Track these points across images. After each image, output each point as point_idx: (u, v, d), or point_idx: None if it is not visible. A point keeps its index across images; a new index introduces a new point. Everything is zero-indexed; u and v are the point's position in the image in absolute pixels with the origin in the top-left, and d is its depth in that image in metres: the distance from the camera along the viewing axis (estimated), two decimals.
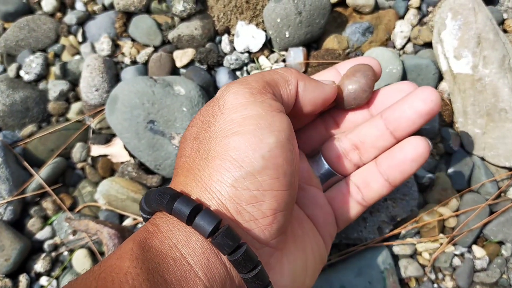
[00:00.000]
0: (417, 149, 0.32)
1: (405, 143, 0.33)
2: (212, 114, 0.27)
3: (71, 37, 0.52)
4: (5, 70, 0.52)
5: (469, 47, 0.44)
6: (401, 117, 0.32)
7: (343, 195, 0.35)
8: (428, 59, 0.47)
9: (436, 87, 0.47)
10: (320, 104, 0.32)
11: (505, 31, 0.49)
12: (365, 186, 0.34)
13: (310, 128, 0.38)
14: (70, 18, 0.51)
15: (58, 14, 0.53)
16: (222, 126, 0.26)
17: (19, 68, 0.51)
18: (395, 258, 0.45)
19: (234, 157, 0.25)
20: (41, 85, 0.50)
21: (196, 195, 0.25)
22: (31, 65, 0.50)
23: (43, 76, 0.51)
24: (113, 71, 0.49)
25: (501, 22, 0.49)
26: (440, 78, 0.47)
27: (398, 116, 0.33)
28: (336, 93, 0.34)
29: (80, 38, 0.51)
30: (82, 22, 0.52)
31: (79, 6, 0.52)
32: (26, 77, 0.50)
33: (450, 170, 0.45)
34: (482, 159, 0.46)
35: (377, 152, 0.35)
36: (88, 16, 0.52)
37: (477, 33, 0.44)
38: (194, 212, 0.23)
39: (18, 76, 0.51)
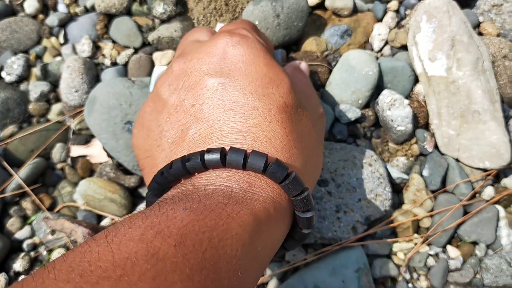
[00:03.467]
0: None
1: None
2: (228, 71, 0.30)
3: (53, 39, 0.52)
4: None
5: (443, 49, 0.45)
6: None
7: None
8: (404, 62, 0.48)
9: (412, 89, 0.48)
10: None
11: (480, 33, 0.50)
12: None
13: None
14: (52, 20, 0.51)
15: (41, 16, 0.53)
16: (253, 79, 0.29)
17: (0, 69, 0.51)
18: (371, 258, 0.45)
19: (277, 106, 0.29)
20: (22, 86, 0.51)
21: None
22: (13, 66, 0.50)
23: (24, 77, 0.51)
24: (93, 73, 0.49)
25: (477, 25, 0.50)
26: (416, 80, 0.48)
27: None
28: None
29: (61, 40, 0.52)
30: (64, 24, 0.52)
31: (62, 8, 0.53)
32: (7, 78, 0.50)
33: (424, 171, 0.46)
34: (457, 160, 0.47)
35: None
36: (70, 18, 0.53)
37: (451, 36, 0.45)
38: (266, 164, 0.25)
39: None
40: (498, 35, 0.49)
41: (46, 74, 0.50)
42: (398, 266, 0.45)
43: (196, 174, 0.26)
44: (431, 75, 0.46)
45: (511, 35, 0.49)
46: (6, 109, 0.49)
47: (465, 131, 0.45)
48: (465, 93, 0.44)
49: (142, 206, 0.46)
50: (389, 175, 0.45)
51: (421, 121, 0.47)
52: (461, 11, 0.46)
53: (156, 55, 0.49)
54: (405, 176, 0.46)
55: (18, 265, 0.45)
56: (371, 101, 0.48)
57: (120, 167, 0.46)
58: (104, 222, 0.45)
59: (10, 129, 0.49)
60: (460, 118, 0.45)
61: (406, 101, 0.45)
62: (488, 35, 0.49)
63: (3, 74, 0.51)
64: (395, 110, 0.45)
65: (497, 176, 0.48)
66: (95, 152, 0.47)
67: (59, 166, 0.48)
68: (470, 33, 0.46)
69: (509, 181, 0.47)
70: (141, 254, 0.17)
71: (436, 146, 0.47)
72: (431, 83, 0.46)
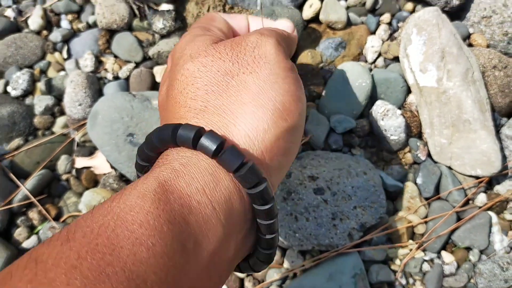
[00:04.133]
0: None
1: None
2: (252, 60, 0.27)
3: (57, 54, 0.54)
4: None
5: (433, 61, 0.47)
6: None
7: None
8: (396, 73, 0.49)
9: (404, 99, 0.49)
10: None
11: (471, 45, 0.51)
12: None
13: None
14: (55, 35, 0.53)
15: (44, 32, 0.55)
16: (268, 76, 0.27)
17: (6, 84, 0.53)
18: (367, 264, 0.46)
19: (281, 110, 0.26)
20: (28, 100, 0.53)
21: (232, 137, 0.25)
22: (18, 81, 0.52)
23: (29, 91, 0.53)
24: (95, 87, 0.51)
25: (467, 37, 0.52)
26: (409, 91, 0.50)
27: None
28: None
29: (65, 55, 0.54)
30: (67, 39, 0.54)
31: (65, 24, 0.55)
32: (13, 92, 0.52)
33: (418, 179, 0.47)
34: (450, 168, 0.48)
35: None
36: (73, 34, 0.54)
37: (441, 47, 0.46)
38: (220, 147, 0.23)
39: (5, 91, 0.53)
40: (488, 46, 0.51)
41: (50, 88, 0.52)
42: (394, 272, 0.46)
43: (169, 147, 0.25)
44: (423, 86, 0.47)
45: (500, 46, 0.50)
46: (12, 123, 0.51)
47: (456, 139, 0.46)
48: (456, 103, 0.46)
49: None
50: (383, 183, 0.46)
51: (414, 131, 0.48)
52: (451, 24, 0.48)
53: (157, 69, 0.51)
54: (399, 184, 0.47)
55: None
56: (365, 112, 0.49)
57: (123, 178, 0.47)
58: None
59: (16, 142, 0.51)
60: (452, 127, 0.46)
61: (399, 112, 0.46)
62: (478, 46, 0.51)
63: (9, 88, 0.53)
64: (388, 120, 0.46)
65: (490, 183, 0.49)
66: (98, 164, 0.48)
67: (64, 177, 0.50)
68: (460, 45, 0.47)
69: (501, 188, 0.48)
70: None
71: (429, 155, 0.48)
72: (422, 93, 0.47)
